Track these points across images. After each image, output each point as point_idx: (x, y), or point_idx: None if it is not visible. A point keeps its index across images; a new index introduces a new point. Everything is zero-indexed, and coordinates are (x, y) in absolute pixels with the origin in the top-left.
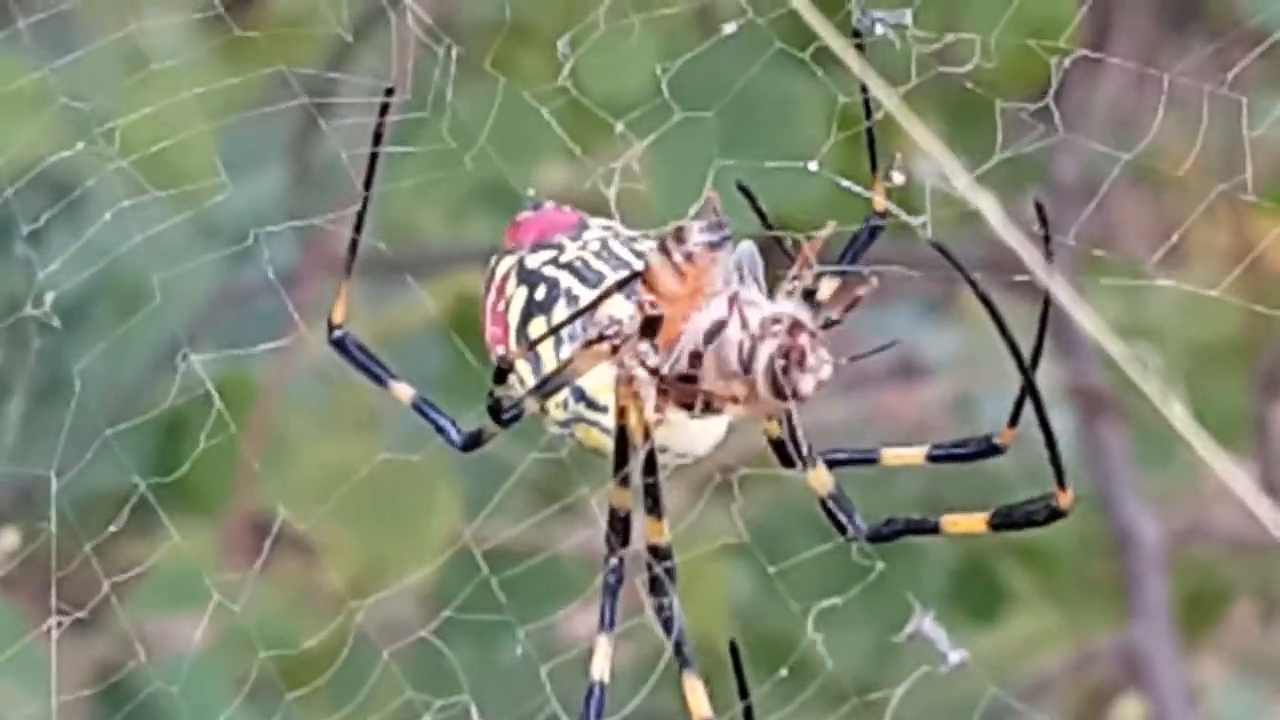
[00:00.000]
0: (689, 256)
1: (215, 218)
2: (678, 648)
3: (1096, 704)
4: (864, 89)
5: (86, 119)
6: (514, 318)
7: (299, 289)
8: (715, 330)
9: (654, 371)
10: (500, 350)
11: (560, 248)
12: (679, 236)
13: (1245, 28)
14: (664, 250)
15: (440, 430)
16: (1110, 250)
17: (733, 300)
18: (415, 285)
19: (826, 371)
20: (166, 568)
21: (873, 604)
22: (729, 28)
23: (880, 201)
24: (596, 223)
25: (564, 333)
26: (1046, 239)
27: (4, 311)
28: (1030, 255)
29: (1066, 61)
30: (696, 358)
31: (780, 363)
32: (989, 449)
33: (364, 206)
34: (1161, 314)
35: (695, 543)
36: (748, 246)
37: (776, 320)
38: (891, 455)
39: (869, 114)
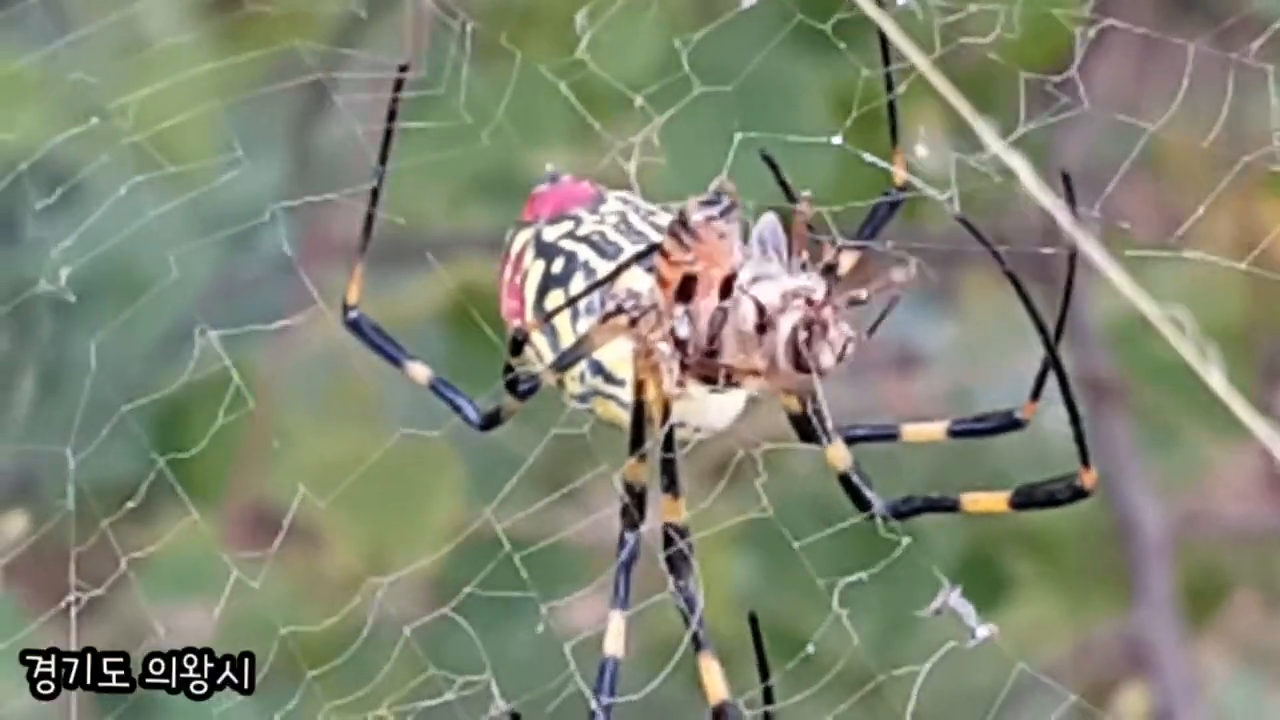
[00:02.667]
0: (696, 232)
1: (215, 202)
2: (693, 628)
3: (1100, 692)
4: (886, 60)
5: (86, 102)
6: (531, 291)
7: (295, 279)
8: (735, 304)
9: (679, 345)
10: (516, 324)
11: (578, 220)
12: (685, 212)
13: (1248, 12)
14: (674, 227)
15: (458, 410)
16: (1113, 233)
17: (751, 273)
18: (434, 263)
19: (848, 345)
20: (171, 554)
21: (876, 590)
22: (748, 1)
23: (901, 174)
24: (614, 195)
25: (581, 305)
26: (1072, 202)
27: (12, 294)
28: (1064, 218)
29: (1091, 32)
30: (716, 331)
31: (802, 335)
32: (1010, 423)
33: (379, 183)
34: (1163, 301)
35: (701, 529)
36: (769, 219)
37: (798, 293)
38: (911, 431)
39: (891, 85)
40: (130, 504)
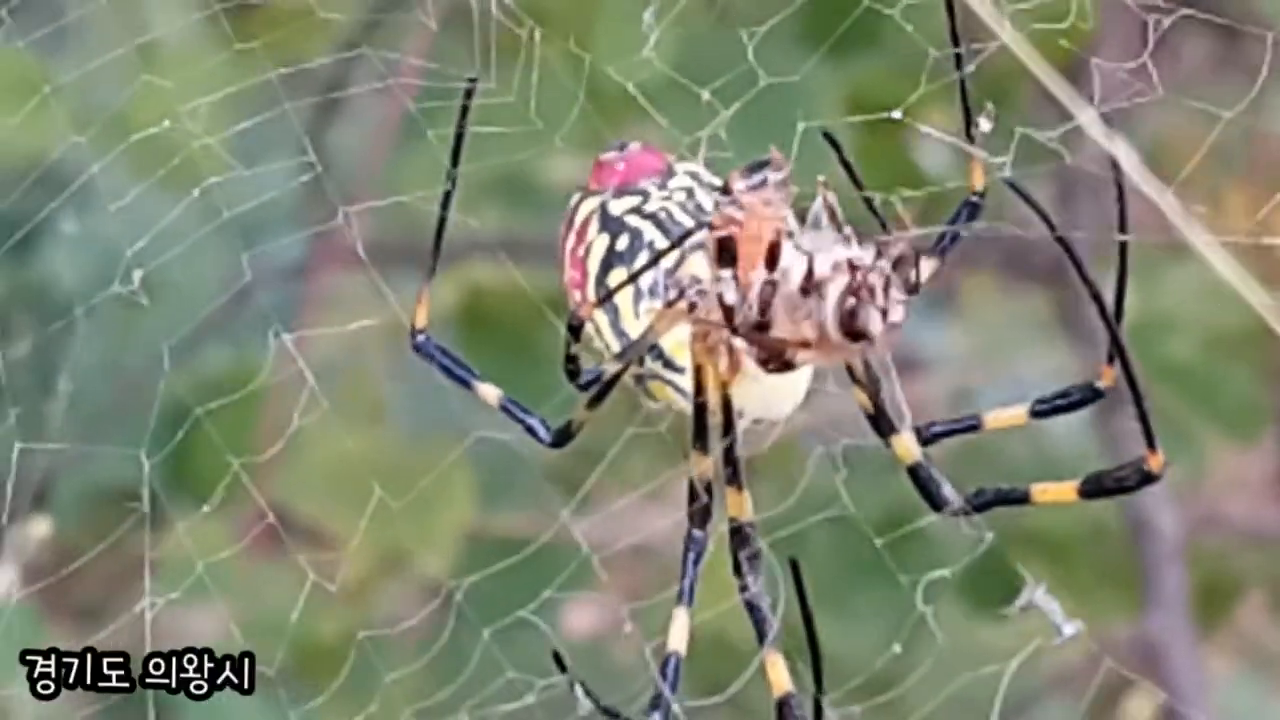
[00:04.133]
0: (741, 201)
1: (224, 209)
2: (759, 625)
3: (1111, 695)
4: (955, 40)
5: (95, 111)
6: (594, 266)
7: (309, 281)
8: (784, 272)
9: (728, 315)
10: (576, 296)
11: (645, 195)
12: (730, 182)
13: (1254, 14)
14: (721, 198)
15: (530, 430)
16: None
17: (801, 243)
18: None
19: (899, 312)
20: (182, 558)
21: (885, 592)
22: None
23: (979, 178)
24: (682, 167)
25: (644, 284)
26: (1120, 197)
27: (34, 296)
28: (1167, 204)
29: (1166, 22)
30: (766, 300)
31: (850, 301)
32: (1092, 394)
33: (452, 187)
34: (1176, 303)
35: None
36: (818, 202)
37: (846, 261)
38: (992, 419)
39: (965, 89)
40: (206, 509)
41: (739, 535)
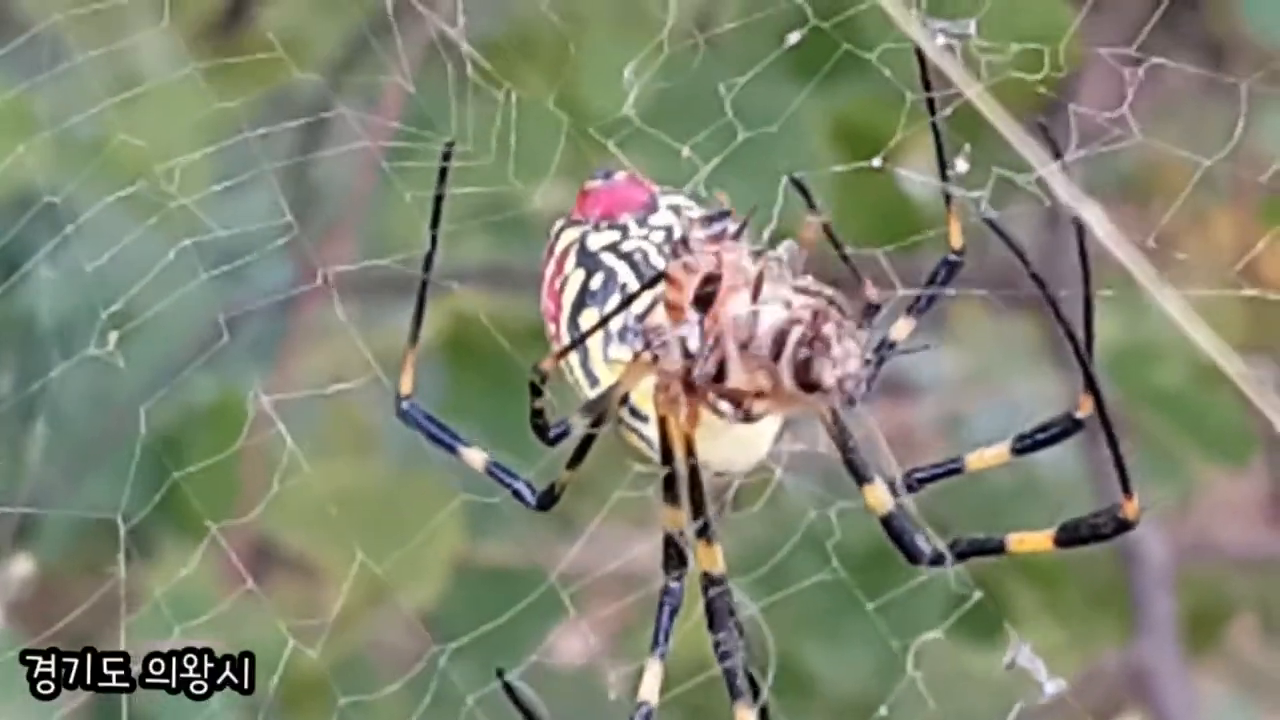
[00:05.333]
0: (697, 250)
1: (207, 238)
2: (730, 679)
3: (1102, 719)
4: (930, 104)
5: (84, 136)
6: (567, 301)
7: (294, 312)
8: (739, 321)
9: (686, 364)
10: (551, 328)
11: (625, 231)
12: (685, 232)
13: (1241, 36)
14: (677, 247)
15: (516, 493)
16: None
17: (756, 290)
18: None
19: (854, 363)
20: (168, 591)
21: (873, 622)
22: (793, 37)
23: (957, 238)
24: (666, 201)
25: (613, 329)
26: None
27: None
28: (1142, 270)
29: (1140, 71)
30: (722, 348)
31: (803, 351)
32: (1072, 425)
33: (433, 247)
34: (1161, 329)
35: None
36: (787, 244)
37: (803, 310)
38: (975, 459)
39: (934, 118)
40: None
41: (710, 589)
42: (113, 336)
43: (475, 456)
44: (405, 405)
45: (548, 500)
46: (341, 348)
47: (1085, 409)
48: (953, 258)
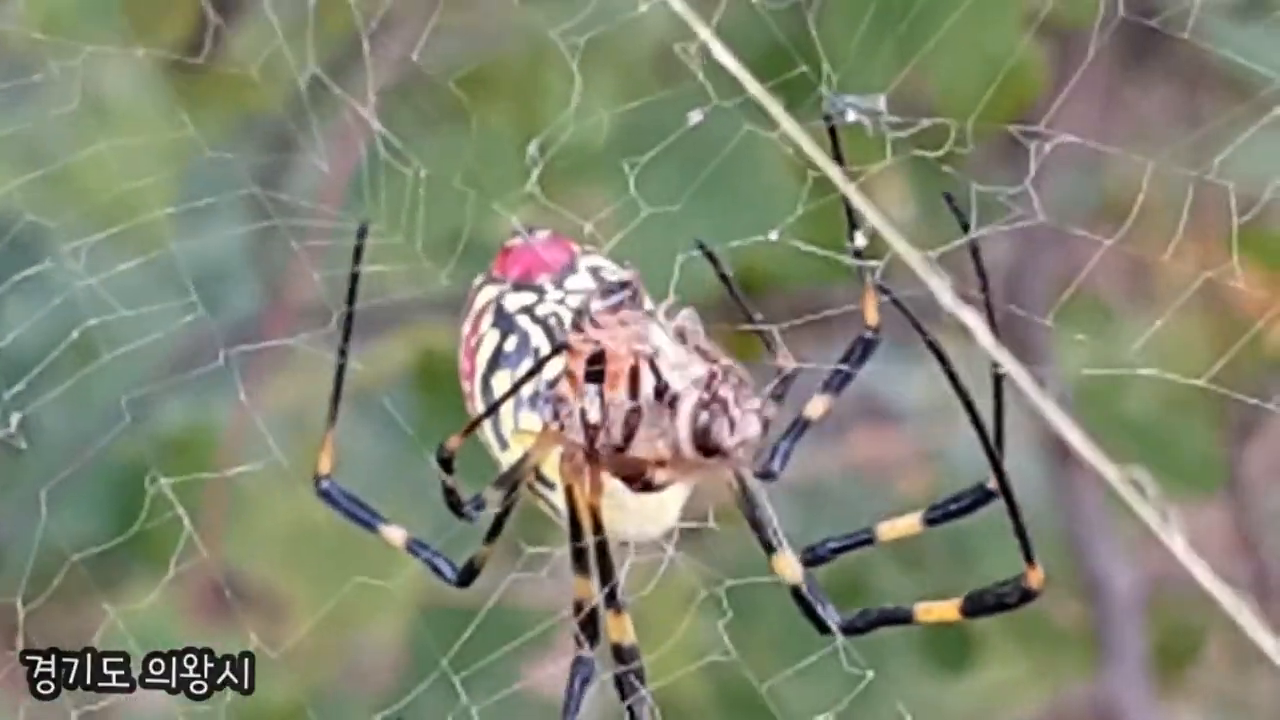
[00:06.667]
0: (598, 321)
1: (173, 265)
2: None
3: None
4: (839, 161)
5: (45, 159)
6: (481, 363)
7: (261, 340)
8: (639, 389)
9: (588, 434)
10: (466, 387)
11: (541, 294)
12: (585, 303)
13: (1208, 65)
14: (577, 318)
15: (436, 570)
16: (1078, 291)
17: (652, 359)
18: (383, 336)
19: (752, 428)
20: (128, 626)
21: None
22: (695, 116)
23: (872, 314)
24: (585, 263)
25: (524, 395)
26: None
27: None
28: (1015, 370)
29: (1048, 147)
30: (622, 421)
31: (702, 417)
32: (984, 496)
33: (348, 325)
34: (1129, 359)
35: (663, 587)
36: (688, 312)
37: (701, 376)
38: (887, 529)
39: (850, 213)
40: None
41: (621, 659)
42: (14, 418)
43: (395, 534)
44: (324, 484)
45: (467, 576)
46: (313, 368)
47: (994, 483)
48: (869, 335)
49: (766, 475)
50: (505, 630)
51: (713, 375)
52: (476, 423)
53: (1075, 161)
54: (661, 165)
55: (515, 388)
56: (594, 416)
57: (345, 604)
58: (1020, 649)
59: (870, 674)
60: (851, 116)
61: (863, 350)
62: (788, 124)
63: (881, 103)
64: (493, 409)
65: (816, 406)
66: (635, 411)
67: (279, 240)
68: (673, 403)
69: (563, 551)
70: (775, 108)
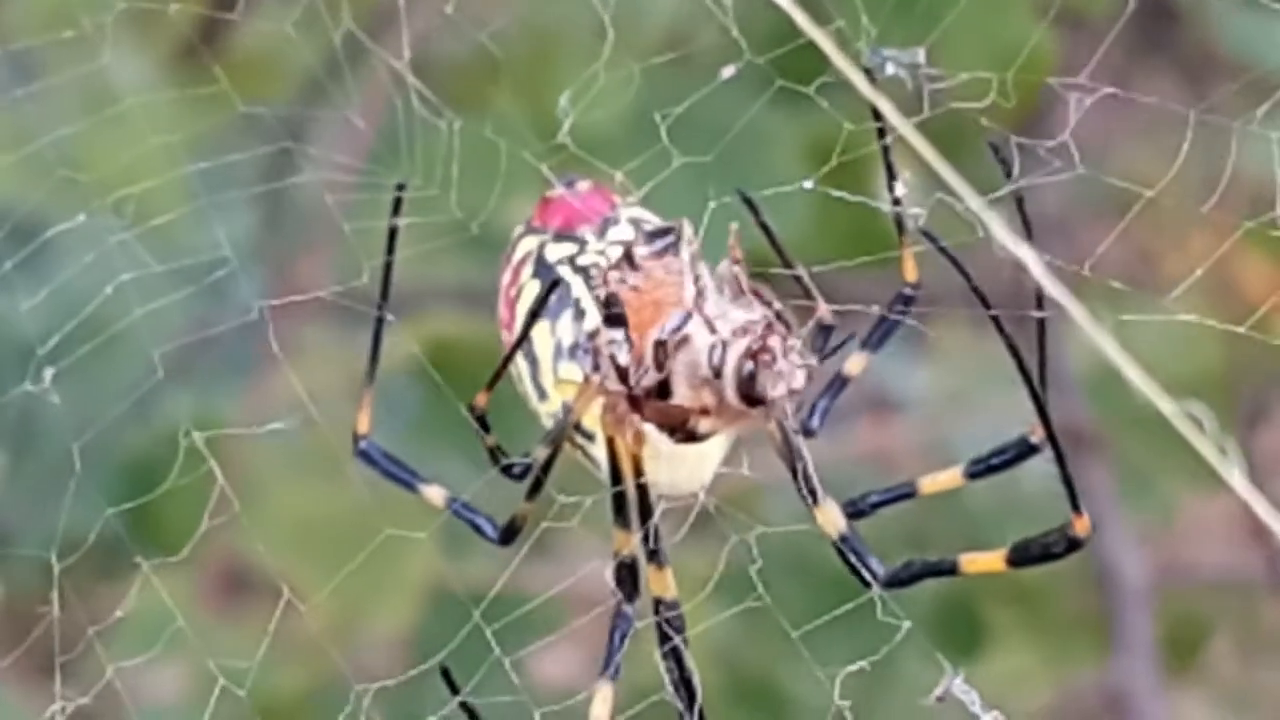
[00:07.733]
0: (641, 267)
1: (184, 254)
2: (690, 706)
3: None
4: (881, 134)
5: (54, 156)
6: (520, 313)
7: (267, 331)
8: (681, 336)
9: (625, 381)
10: (505, 336)
11: (582, 245)
12: (630, 248)
13: (1216, 54)
14: (621, 263)
15: (478, 529)
16: (1085, 280)
17: (699, 306)
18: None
19: (799, 378)
20: (141, 615)
21: (851, 640)
22: (728, 71)
23: (911, 271)
24: (625, 214)
25: (564, 344)
26: (1039, 298)
27: None
28: (1050, 284)
29: (1088, 101)
30: (664, 364)
31: (747, 365)
32: (1027, 449)
33: (386, 282)
34: (1140, 347)
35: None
36: (725, 265)
37: (746, 324)
38: (928, 483)
39: (888, 158)
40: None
41: (662, 614)
42: (48, 373)
43: (435, 494)
44: (363, 444)
45: (510, 534)
46: (320, 361)
47: (1037, 435)
48: (908, 291)
49: (806, 432)
50: (515, 619)
51: (760, 322)
52: (498, 375)
53: (1083, 154)
54: (687, 128)
55: (528, 328)
56: (637, 365)
57: (355, 593)
58: (1030, 638)
59: (907, 623)
60: (890, 70)
61: (903, 306)
62: (840, 61)
63: (921, 55)
64: (506, 361)
65: (855, 363)
66: (678, 358)
67: (288, 227)
68: (718, 350)
69: (593, 499)
70: (827, 44)
